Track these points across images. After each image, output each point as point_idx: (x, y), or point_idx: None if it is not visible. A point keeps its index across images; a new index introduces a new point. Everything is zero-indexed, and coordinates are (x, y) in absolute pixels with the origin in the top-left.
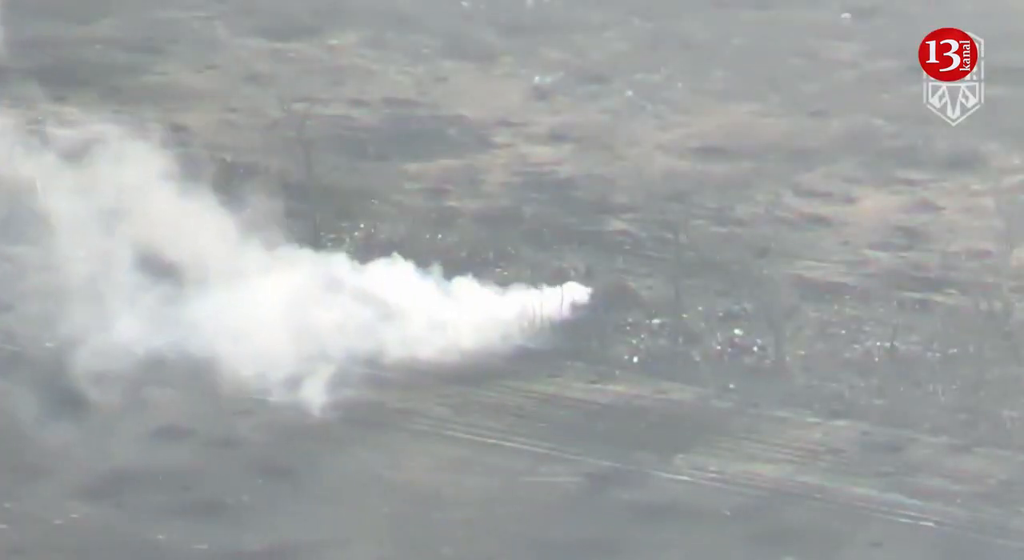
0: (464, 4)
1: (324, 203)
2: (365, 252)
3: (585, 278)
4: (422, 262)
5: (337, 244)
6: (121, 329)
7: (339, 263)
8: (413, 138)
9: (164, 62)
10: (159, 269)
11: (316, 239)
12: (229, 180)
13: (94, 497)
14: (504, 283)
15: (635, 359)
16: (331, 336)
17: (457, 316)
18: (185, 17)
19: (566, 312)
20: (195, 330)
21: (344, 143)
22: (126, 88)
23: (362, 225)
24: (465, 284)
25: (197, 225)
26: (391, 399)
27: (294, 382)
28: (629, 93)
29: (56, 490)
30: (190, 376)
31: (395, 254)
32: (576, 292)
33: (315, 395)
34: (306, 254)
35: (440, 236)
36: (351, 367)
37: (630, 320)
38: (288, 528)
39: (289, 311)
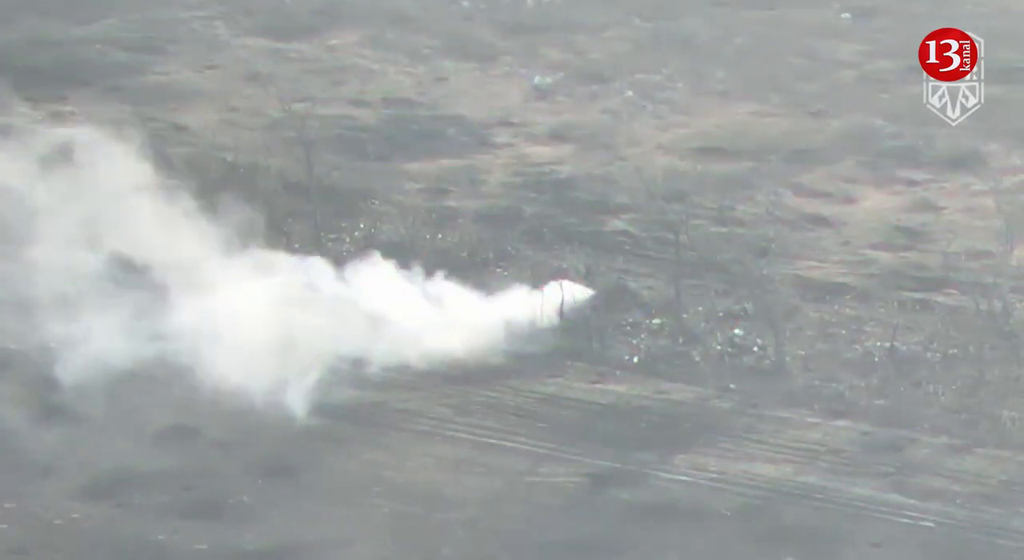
0: (464, 4)
1: (324, 203)
2: (366, 252)
3: (585, 278)
4: (407, 263)
5: (338, 244)
6: (112, 332)
7: (324, 266)
8: (413, 138)
9: (164, 62)
10: (143, 273)
11: (317, 239)
12: (229, 180)
13: (94, 497)
14: (495, 284)
15: (635, 359)
16: (317, 340)
17: (438, 320)
18: (185, 17)
19: (566, 312)
20: (175, 335)
21: (344, 143)
22: (126, 88)
23: (362, 225)
24: (446, 286)
25: (191, 228)
26: (392, 399)
27: (279, 386)
28: (629, 93)
29: (56, 490)
30: (174, 380)
31: (377, 255)
32: (576, 292)
33: (299, 399)
34: (306, 257)
35: (440, 236)
36: (336, 371)
37: (630, 320)
38: (288, 528)
39: (278, 316)
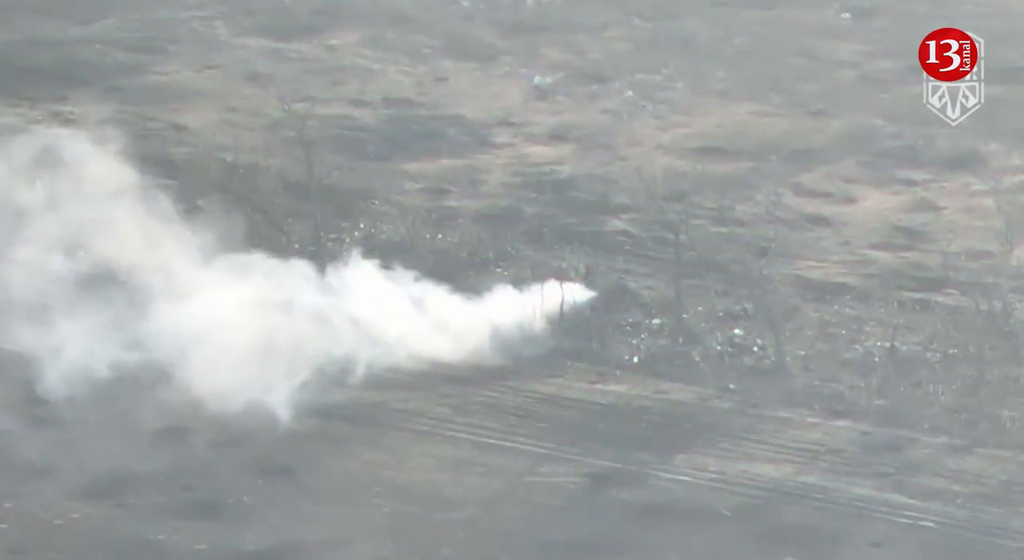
0: (464, 4)
1: (324, 203)
2: (364, 253)
3: (585, 278)
4: (408, 265)
5: (337, 244)
6: (102, 334)
7: (320, 269)
8: (413, 138)
9: (164, 62)
10: (135, 275)
11: (317, 239)
12: (229, 180)
13: (94, 497)
14: (490, 285)
15: (635, 359)
16: (311, 343)
17: (434, 325)
18: (185, 17)
19: (565, 312)
20: (163, 338)
21: (344, 143)
22: (126, 88)
23: (362, 225)
24: (445, 288)
25: (187, 230)
26: (392, 399)
27: (274, 388)
28: (629, 93)
29: (56, 490)
30: (162, 382)
31: (375, 257)
32: (575, 292)
33: (292, 401)
34: (303, 260)
35: (440, 236)
36: (327, 374)
37: (630, 320)
38: (288, 528)
39: (272, 319)
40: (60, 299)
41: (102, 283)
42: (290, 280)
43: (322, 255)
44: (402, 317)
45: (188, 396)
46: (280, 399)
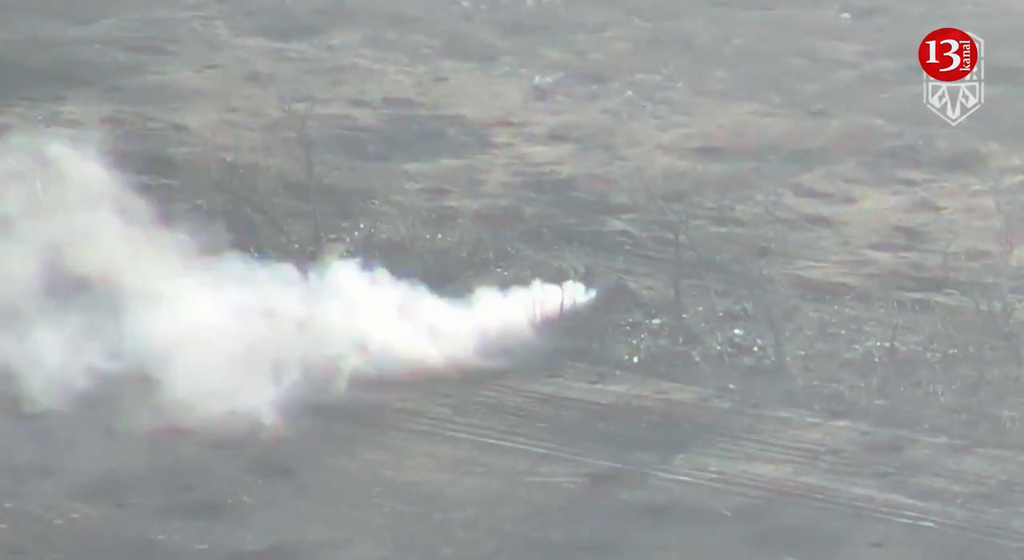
0: (464, 4)
1: (324, 203)
2: (364, 252)
3: (585, 278)
4: (407, 269)
5: (337, 244)
6: (96, 336)
7: (289, 272)
8: (413, 138)
9: (164, 62)
10: (127, 278)
11: (317, 239)
12: (229, 180)
13: (94, 497)
14: (485, 286)
15: (635, 359)
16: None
17: (421, 324)
18: (185, 17)
19: (566, 312)
20: (155, 342)
21: (344, 143)
22: (126, 88)
23: (362, 225)
24: (430, 290)
25: (186, 231)
26: (392, 399)
27: (272, 388)
28: (629, 93)
29: (56, 490)
30: (154, 385)
31: (338, 256)
32: (576, 292)
33: (286, 401)
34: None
35: (440, 236)
36: (318, 377)
37: (630, 320)
38: (288, 528)
39: (267, 321)
40: (60, 300)
41: (96, 285)
42: (287, 282)
43: (321, 255)
44: (399, 318)
45: (187, 397)
46: (283, 399)
